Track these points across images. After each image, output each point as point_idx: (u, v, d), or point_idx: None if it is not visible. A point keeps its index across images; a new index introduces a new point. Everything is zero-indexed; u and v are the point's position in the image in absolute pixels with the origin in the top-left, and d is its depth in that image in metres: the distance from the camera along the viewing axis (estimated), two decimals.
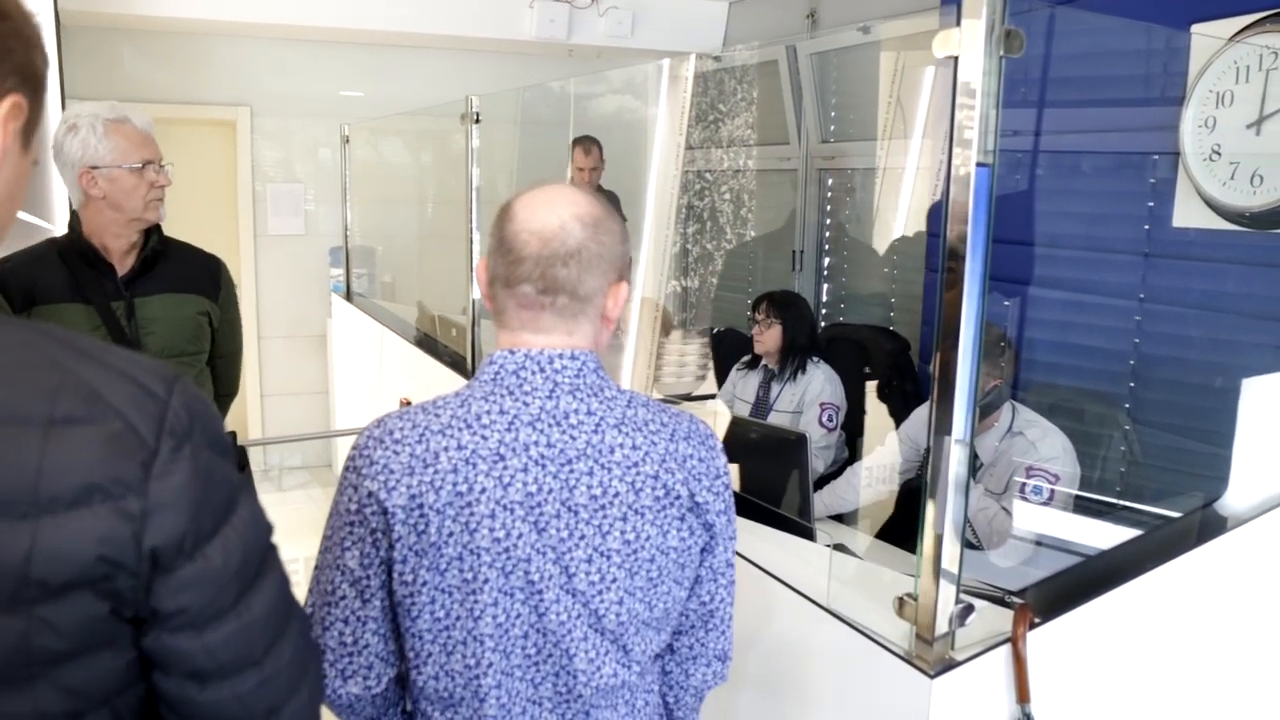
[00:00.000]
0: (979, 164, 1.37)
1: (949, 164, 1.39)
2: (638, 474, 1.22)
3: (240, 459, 2.17)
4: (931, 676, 1.41)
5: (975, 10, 1.33)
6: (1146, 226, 2.98)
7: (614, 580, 1.21)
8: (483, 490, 1.17)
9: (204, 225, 4.96)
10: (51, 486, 0.71)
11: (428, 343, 3.81)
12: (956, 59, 1.36)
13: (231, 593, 0.82)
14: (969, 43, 1.34)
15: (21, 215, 3.02)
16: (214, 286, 2.41)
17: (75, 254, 2.20)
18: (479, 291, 3.32)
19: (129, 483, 0.74)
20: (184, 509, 0.76)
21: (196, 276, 2.37)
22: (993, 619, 1.52)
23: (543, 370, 1.22)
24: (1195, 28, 2.77)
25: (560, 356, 1.22)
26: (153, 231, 2.29)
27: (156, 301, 2.26)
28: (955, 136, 1.38)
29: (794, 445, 2.05)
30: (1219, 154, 2.73)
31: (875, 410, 3.58)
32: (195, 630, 0.80)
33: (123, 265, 2.24)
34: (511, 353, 1.23)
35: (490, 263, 1.25)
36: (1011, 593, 1.59)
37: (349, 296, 4.99)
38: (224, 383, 2.49)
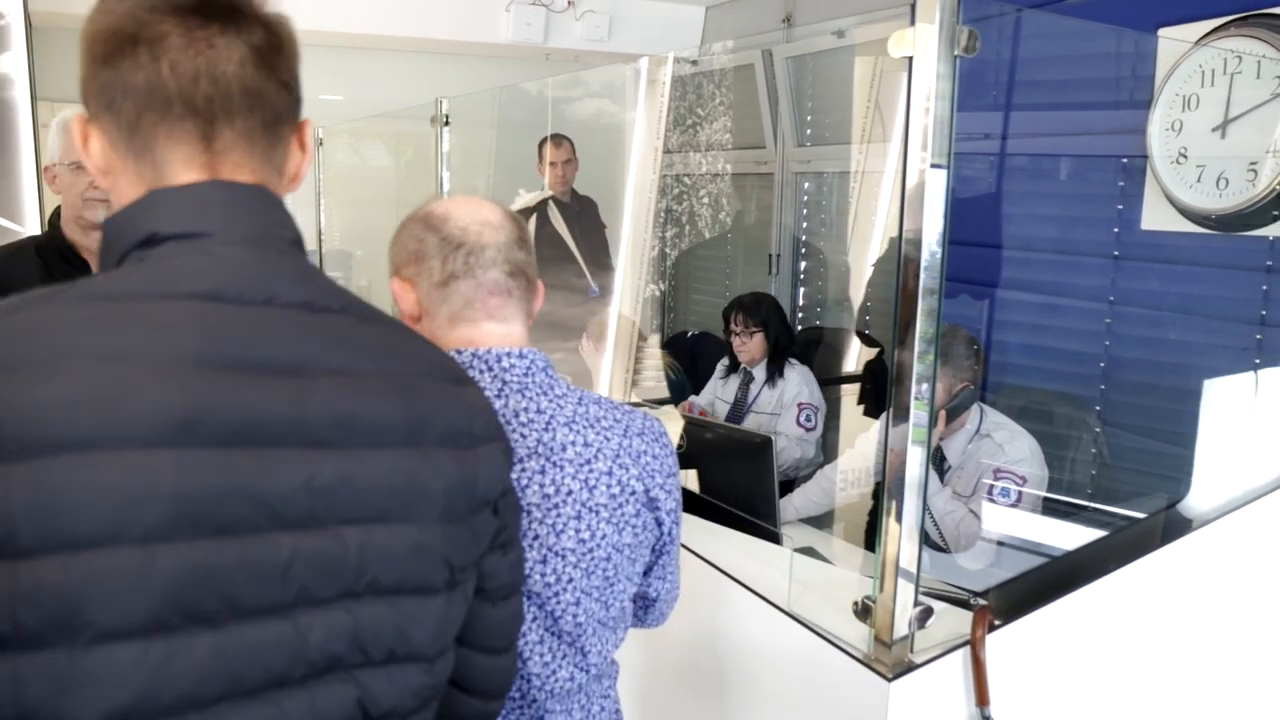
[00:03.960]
0: (934, 164, 1.37)
1: (904, 165, 1.39)
2: (590, 471, 1.21)
3: None
4: (889, 679, 1.41)
5: (929, 12, 1.33)
6: (1115, 229, 3.00)
7: (570, 580, 1.20)
8: None
9: None
10: (475, 426, 0.93)
11: None
12: (911, 60, 1.36)
13: (519, 522, 1.06)
14: (923, 43, 1.34)
15: None
16: None
17: (52, 250, 2.24)
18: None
19: (499, 428, 0.97)
20: (509, 454, 0.99)
21: None
22: (953, 622, 1.52)
23: (490, 369, 1.21)
24: (1162, 32, 2.79)
25: (507, 355, 1.22)
26: None
27: None
28: (911, 138, 1.38)
29: (759, 448, 2.04)
30: (1186, 157, 2.74)
31: (849, 413, 3.58)
32: (504, 550, 1.00)
33: (96, 263, 2.26)
34: (459, 353, 1.22)
35: (430, 268, 1.23)
36: (975, 594, 1.59)
37: None
38: None
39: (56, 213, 2.27)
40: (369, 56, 5.44)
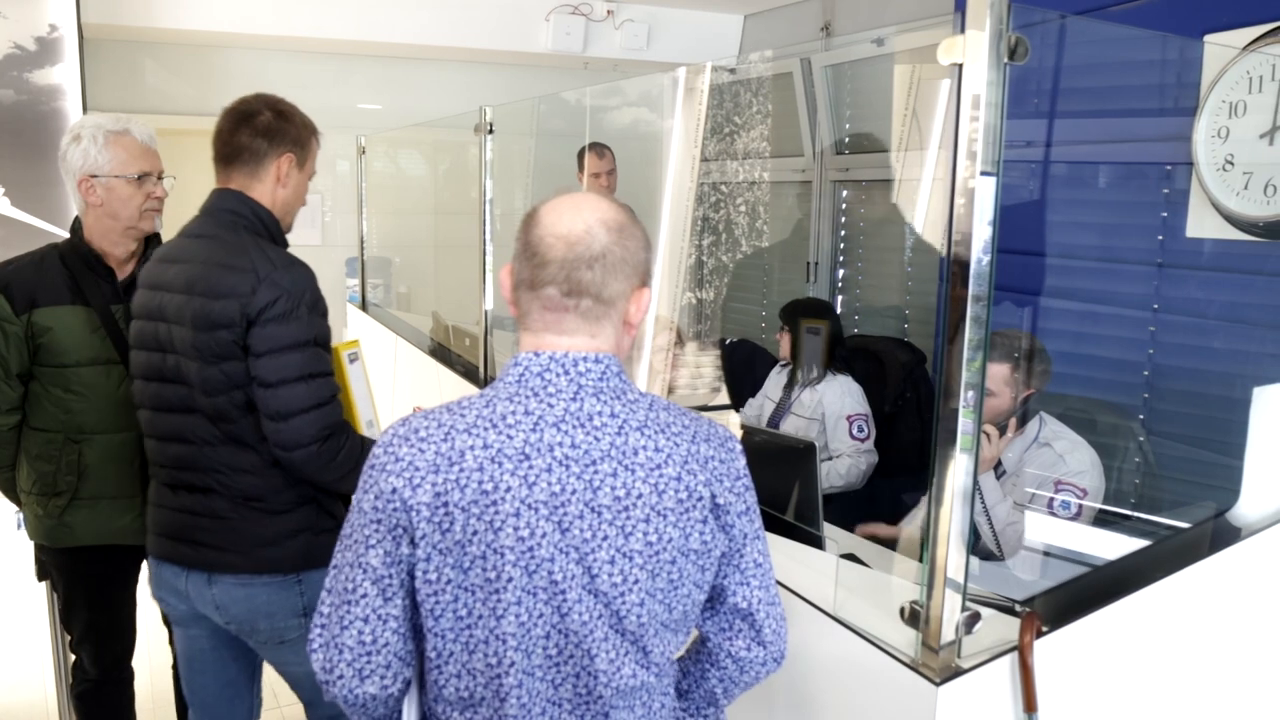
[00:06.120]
0: (984, 172, 1.37)
1: (954, 173, 1.39)
2: (660, 475, 1.23)
3: None
4: (937, 684, 1.41)
5: (979, 19, 1.34)
6: (1160, 237, 2.97)
7: (636, 581, 1.22)
8: (508, 489, 1.18)
9: None
10: (219, 287, 1.86)
11: (441, 352, 3.83)
12: (961, 67, 1.36)
13: (281, 344, 1.86)
14: (973, 51, 1.35)
15: (37, 223, 3.10)
16: None
17: (76, 258, 2.28)
18: (492, 300, 3.35)
19: (248, 290, 1.85)
20: (263, 304, 1.85)
21: None
22: (1001, 628, 1.52)
23: (567, 372, 1.24)
24: (1208, 38, 2.77)
25: (584, 359, 1.25)
26: (151, 239, 2.35)
27: None
28: (961, 146, 1.39)
29: (803, 454, 2.05)
30: (1232, 164, 2.72)
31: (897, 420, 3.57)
32: (257, 356, 1.86)
33: (122, 270, 2.32)
34: (536, 355, 1.25)
35: (515, 267, 1.28)
36: (1020, 602, 1.59)
37: (364, 306, 5.02)
38: None
39: (77, 221, 2.30)
40: (408, 66, 5.51)
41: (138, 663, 2.55)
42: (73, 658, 2.52)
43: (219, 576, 1.97)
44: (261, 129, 2.00)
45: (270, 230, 2.01)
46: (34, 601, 2.89)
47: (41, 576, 2.50)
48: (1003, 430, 2.52)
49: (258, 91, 2.09)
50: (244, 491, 1.95)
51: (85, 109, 4.26)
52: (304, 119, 2.09)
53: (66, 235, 2.35)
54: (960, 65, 1.37)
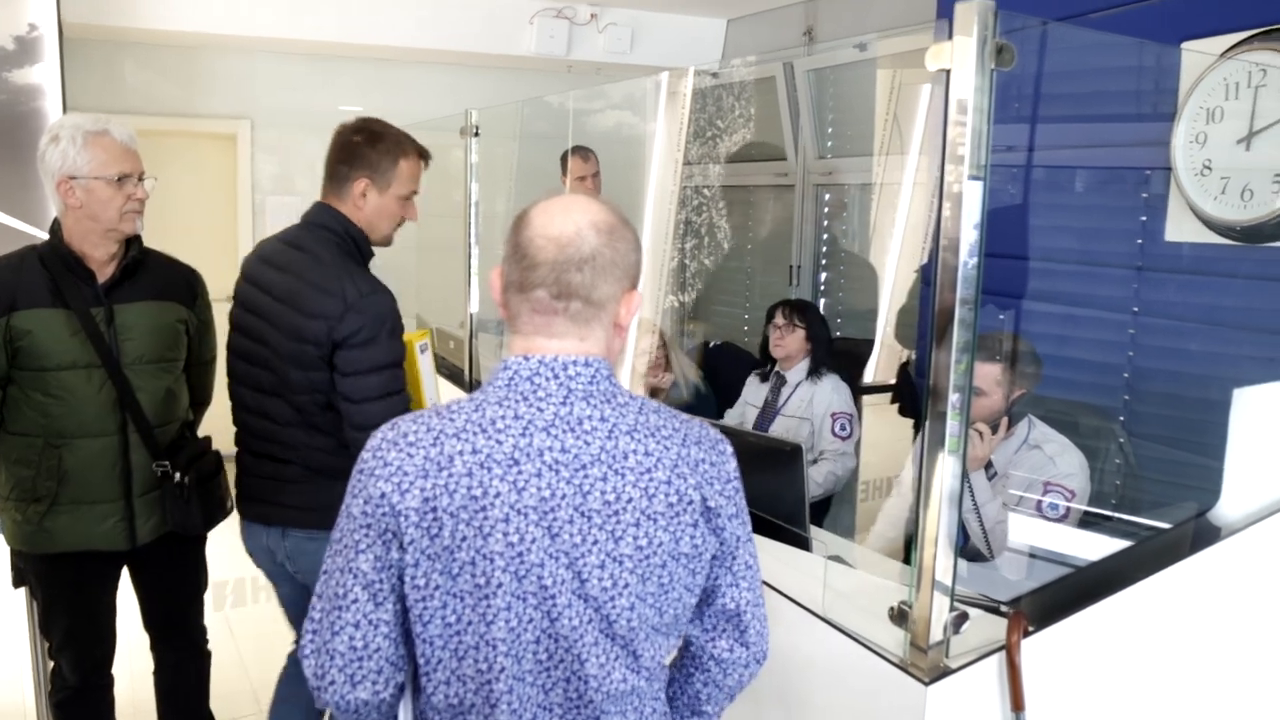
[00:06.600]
0: (971, 176, 1.39)
1: (941, 178, 1.41)
2: (650, 479, 1.22)
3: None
4: (926, 684, 1.42)
5: (966, 26, 1.35)
6: (1139, 241, 3.00)
7: (626, 586, 1.21)
8: (497, 494, 1.17)
9: (203, 237, 4.98)
10: (311, 306, 2.08)
11: None
12: (948, 73, 1.38)
13: (363, 368, 2.07)
14: (960, 57, 1.36)
15: (16, 224, 3.06)
16: (190, 296, 2.45)
17: (56, 260, 2.24)
18: (477, 303, 3.35)
19: (336, 315, 2.06)
20: (348, 331, 2.05)
21: (174, 286, 2.41)
22: (988, 628, 1.53)
23: (556, 376, 1.23)
24: (1186, 45, 2.80)
25: (574, 363, 1.23)
26: (132, 241, 2.32)
27: (135, 309, 2.29)
28: (948, 151, 1.40)
29: (789, 455, 2.05)
30: (1210, 169, 2.75)
31: (871, 423, 3.59)
32: (343, 375, 2.08)
33: (103, 273, 2.28)
34: (525, 359, 1.24)
35: (505, 269, 1.26)
36: (1007, 602, 1.60)
37: None
38: (199, 390, 2.52)
39: (56, 222, 2.26)
40: (391, 68, 5.50)
41: (118, 669, 2.52)
42: (52, 665, 2.49)
43: (292, 531, 2.22)
44: (346, 154, 2.22)
45: (359, 246, 2.23)
46: (12, 608, 2.85)
47: (17, 583, 2.48)
48: (994, 429, 2.54)
49: (362, 115, 2.30)
50: (319, 465, 2.19)
51: (65, 109, 4.22)
52: (391, 145, 2.24)
53: (46, 237, 2.31)
54: (948, 71, 1.38)
